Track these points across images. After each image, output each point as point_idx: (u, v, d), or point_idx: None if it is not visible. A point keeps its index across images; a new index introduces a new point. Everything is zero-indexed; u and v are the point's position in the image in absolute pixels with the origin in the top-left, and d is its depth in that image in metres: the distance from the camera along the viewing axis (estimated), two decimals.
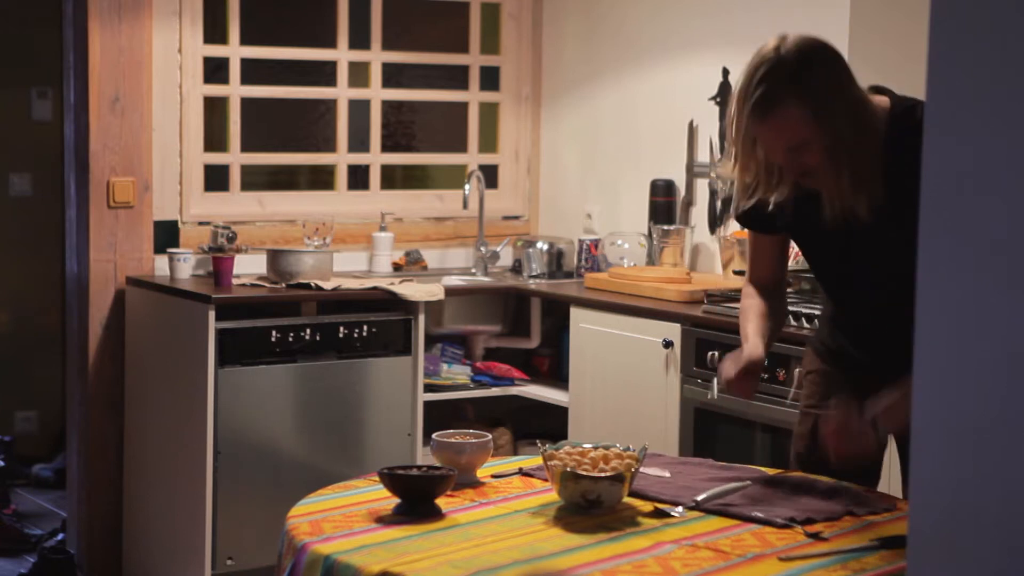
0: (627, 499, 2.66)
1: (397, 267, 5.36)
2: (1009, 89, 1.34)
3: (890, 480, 3.25)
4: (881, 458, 3.01)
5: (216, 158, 5.25)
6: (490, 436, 2.87)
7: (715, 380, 2.93)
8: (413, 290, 4.84)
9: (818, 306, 3.79)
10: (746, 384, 2.88)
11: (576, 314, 4.79)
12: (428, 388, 4.94)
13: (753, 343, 2.92)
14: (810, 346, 3.13)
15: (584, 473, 2.59)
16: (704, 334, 4.28)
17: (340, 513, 2.61)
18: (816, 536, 2.48)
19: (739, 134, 2.73)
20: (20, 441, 6.53)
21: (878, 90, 2.87)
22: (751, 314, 3.00)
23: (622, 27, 5.36)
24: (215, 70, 5.22)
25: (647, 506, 2.66)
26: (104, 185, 4.95)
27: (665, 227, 5.00)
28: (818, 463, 2.93)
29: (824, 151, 2.69)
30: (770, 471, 2.92)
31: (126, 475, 5.02)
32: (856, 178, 2.71)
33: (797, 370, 3.42)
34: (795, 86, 2.67)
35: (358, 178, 5.56)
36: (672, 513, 2.61)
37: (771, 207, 2.83)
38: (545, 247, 5.31)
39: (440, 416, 5.03)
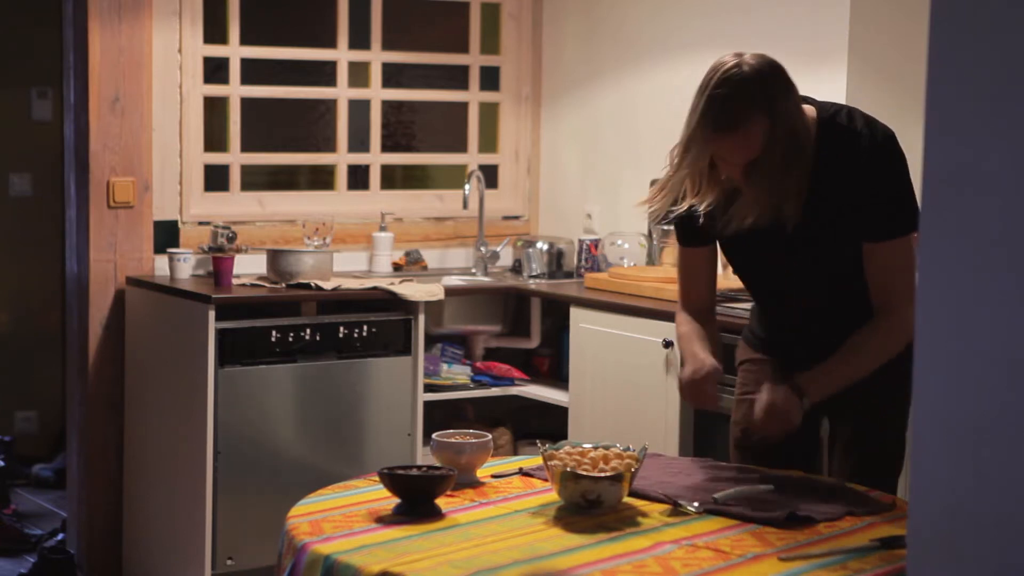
0: (627, 499, 2.66)
1: (397, 267, 5.36)
2: (1009, 89, 1.34)
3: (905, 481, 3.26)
4: (816, 437, 3.12)
5: (216, 158, 5.25)
6: (490, 436, 2.87)
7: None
8: (413, 290, 4.84)
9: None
10: (703, 391, 2.97)
11: (576, 314, 4.79)
12: (428, 388, 4.94)
13: (702, 356, 3.01)
14: (743, 338, 3.21)
15: (584, 473, 2.59)
16: None
17: (340, 513, 2.61)
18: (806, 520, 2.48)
19: (691, 143, 2.83)
20: (20, 441, 6.53)
21: (803, 100, 2.97)
22: (693, 336, 3.08)
23: (622, 27, 5.36)
24: (215, 70, 5.22)
25: (647, 506, 2.66)
26: (104, 185, 4.95)
27: (665, 227, 5.00)
28: (755, 448, 3.05)
29: (770, 162, 2.80)
30: (770, 471, 2.93)
31: (126, 475, 5.02)
32: (790, 185, 2.82)
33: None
34: (762, 101, 2.78)
35: (358, 178, 5.56)
36: (689, 508, 2.61)
37: (700, 217, 2.93)
38: (545, 247, 5.31)
39: (440, 416, 5.03)
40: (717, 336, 3.15)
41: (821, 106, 2.96)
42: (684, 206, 2.93)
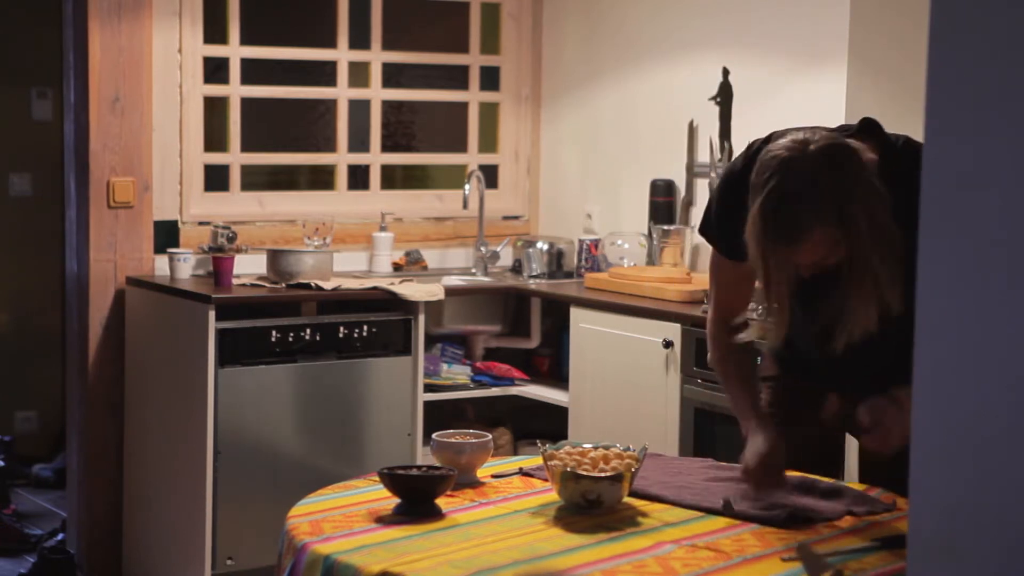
0: (627, 499, 2.66)
1: (397, 267, 5.36)
2: (1009, 89, 1.34)
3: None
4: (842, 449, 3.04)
5: (216, 158, 5.25)
6: (490, 436, 2.87)
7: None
8: (413, 290, 4.84)
9: None
10: (774, 477, 2.74)
11: (576, 314, 4.79)
12: (428, 388, 4.94)
13: (763, 428, 2.78)
14: (768, 351, 3.00)
15: (584, 473, 2.59)
16: (704, 334, 4.27)
17: (340, 513, 2.61)
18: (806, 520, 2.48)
19: (766, 255, 2.53)
20: (20, 441, 6.53)
21: (866, 129, 2.69)
22: (738, 385, 2.87)
23: (622, 27, 5.36)
24: (215, 70, 5.22)
25: (647, 506, 2.66)
26: (104, 185, 4.95)
27: (665, 227, 5.00)
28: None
29: (860, 259, 2.53)
30: None
31: (126, 475, 5.02)
32: (891, 272, 2.52)
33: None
34: (823, 209, 2.48)
35: (358, 178, 5.56)
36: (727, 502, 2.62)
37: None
38: (545, 247, 5.31)
39: (440, 416, 5.03)
40: (749, 357, 2.94)
41: (883, 147, 2.67)
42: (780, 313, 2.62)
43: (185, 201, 5.11)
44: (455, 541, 2.43)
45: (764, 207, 2.50)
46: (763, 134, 2.74)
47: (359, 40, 5.46)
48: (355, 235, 5.39)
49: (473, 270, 5.48)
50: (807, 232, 2.48)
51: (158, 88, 5.02)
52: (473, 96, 5.74)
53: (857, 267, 2.52)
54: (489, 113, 5.78)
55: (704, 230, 2.93)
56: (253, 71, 5.31)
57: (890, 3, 4.50)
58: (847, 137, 2.61)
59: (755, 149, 2.71)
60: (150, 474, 4.88)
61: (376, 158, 5.57)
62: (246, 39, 5.26)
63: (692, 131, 5.04)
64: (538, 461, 2.92)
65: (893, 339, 2.52)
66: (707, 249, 5.04)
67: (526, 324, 5.35)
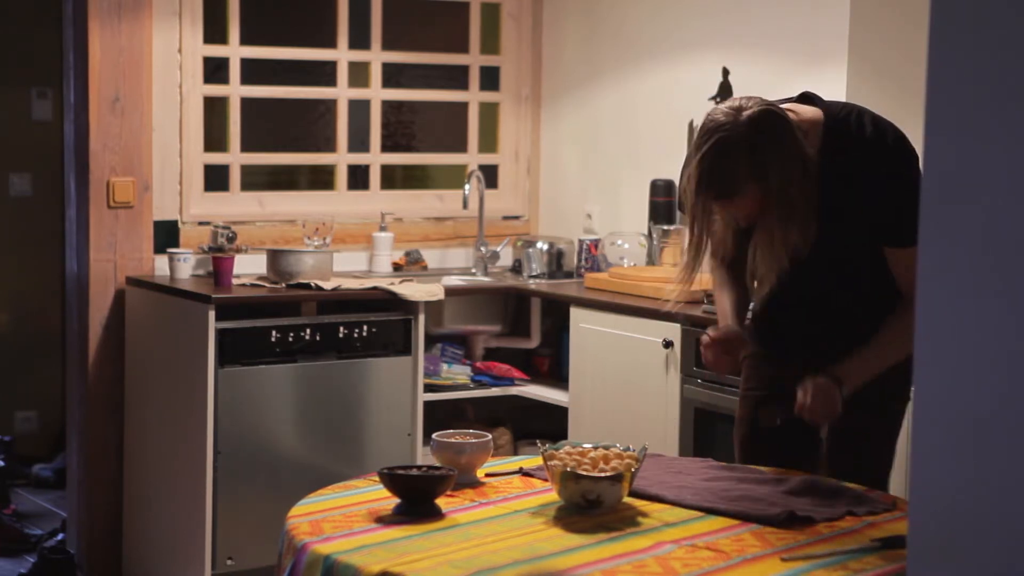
0: (627, 499, 2.66)
1: (397, 267, 5.36)
2: (1009, 88, 1.34)
3: (904, 480, 3.26)
4: (817, 436, 3.15)
5: (216, 158, 5.25)
6: (490, 436, 2.87)
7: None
8: (413, 290, 4.84)
9: None
10: (720, 357, 3.06)
11: (576, 314, 4.79)
12: (428, 388, 4.94)
13: (731, 320, 3.12)
14: (745, 331, 3.20)
15: (584, 473, 2.59)
16: (700, 332, 4.27)
17: (340, 513, 2.61)
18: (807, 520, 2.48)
19: (695, 208, 2.88)
20: (20, 441, 6.53)
21: (807, 98, 2.98)
22: (723, 287, 3.20)
23: (622, 27, 5.36)
24: (215, 70, 5.22)
25: (647, 506, 2.66)
26: (104, 185, 4.95)
27: (665, 227, 5.00)
28: (761, 446, 3.08)
29: (773, 211, 2.84)
30: (770, 471, 2.93)
31: (126, 475, 5.02)
32: (797, 223, 2.86)
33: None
34: (753, 169, 2.79)
35: (358, 178, 5.56)
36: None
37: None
38: (545, 247, 5.31)
39: (440, 416, 5.03)
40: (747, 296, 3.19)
41: (828, 109, 2.95)
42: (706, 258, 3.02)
43: (185, 201, 5.11)
44: (455, 541, 2.43)
45: (701, 165, 2.81)
46: None
47: (359, 40, 5.46)
48: (355, 235, 5.39)
49: (473, 270, 5.48)
50: (738, 192, 2.80)
51: (158, 88, 5.02)
52: (473, 96, 5.74)
53: (767, 215, 2.84)
54: (489, 113, 5.78)
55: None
56: (253, 71, 5.31)
57: (890, 3, 4.50)
58: (788, 103, 2.96)
59: (736, 106, 2.98)
60: (150, 474, 4.88)
61: (376, 158, 5.57)
62: (246, 39, 5.26)
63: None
64: (538, 461, 2.92)
65: (864, 307, 2.97)
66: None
67: (526, 324, 5.35)
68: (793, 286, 3.02)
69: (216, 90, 5.22)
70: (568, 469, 2.60)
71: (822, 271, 2.99)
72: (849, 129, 2.90)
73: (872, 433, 3.06)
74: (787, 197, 2.81)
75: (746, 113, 2.80)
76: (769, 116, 2.81)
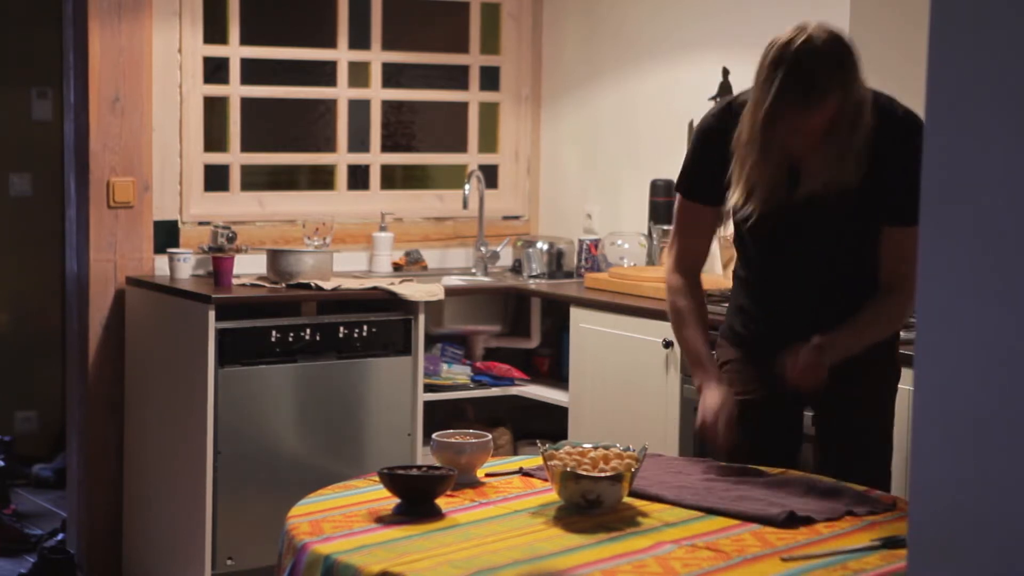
0: (627, 499, 2.66)
1: (397, 267, 5.36)
2: (1009, 88, 1.34)
3: (904, 480, 3.26)
4: (800, 431, 3.18)
5: (216, 158, 5.25)
6: (490, 436, 2.87)
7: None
8: (413, 290, 4.84)
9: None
10: (726, 434, 2.99)
11: (576, 314, 4.79)
12: (428, 388, 4.94)
13: (714, 382, 3.03)
14: (722, 337, 3.21)
15: (584, 473, 2.59)
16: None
17: (340, 513, 2.61)
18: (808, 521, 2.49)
19: (770, 119, 2.80)
20: (20, 441, 6.53)
21: None
22: (696, 328, 3.10)
23: (622, 27, 5.36)
24: (215, 70, 5.22)
25: (647, 506, 2.66)
26: (104, 185, 4.95)
27: (665, 227, 5.00)
28: (740, 451, 3.03)
29: (842, 131, 2.82)
30: (770, 471, 2.93)
31: (126, 475, 5.02)
32: (855, 152, 2.85)
33: None
34: (839, 74, 2.78)
35: (358, 178, 5.56)
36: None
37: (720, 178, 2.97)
38: (545, 247, 5.31)
39: (440, 416, 5.03)
40: (704, 301, 3.19)
41: (874, 91, 2.98)
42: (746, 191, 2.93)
43: (185, 201, 5.11)
44: (455, 541, 2.43)
45: (789, 72, 2.76)
46: None
47: (359, 40, 5.46)
48: (355, 235, 5.39)
49: (473, 270, 5.48)
50: (825, 97, 2.77)
51: (158, 88, 5.02)
52: (473, 96, 5.74)
53: (837, 131, 2.81)
54: (489, 113, 5.78)
55: (678, 183, 3.16)
56: (253, 71, 5.31)
57: (890, 3, 4.50)
58: None
59: (726, 103, 3.04)
60: (150, 474, 4.88)
61: (376, 158, 5.57)
62: (246, 39, 5.26)
63: (692, 131, 5.04)
64: (538, 461, 2.92)
65: (851, 294, 2.98)
66: None
67: (526, 324, 5.35)
68: (795, 269, 3.04)
69: (216, 90, 5.22)
70: (568, 469, 2.60)
71: (819, 244, 2.99)
72: (884, 106, 2.93)
73: (867, 431, 3.06)
74: (855, 123, 2.81)
75: (825, 28, 2.83)
76: (844, 35, 2.85)
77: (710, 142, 3.03)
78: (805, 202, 2.89)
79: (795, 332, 2.99)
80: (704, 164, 3.05)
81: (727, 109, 3.02)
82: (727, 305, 3.28)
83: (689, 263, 3.18)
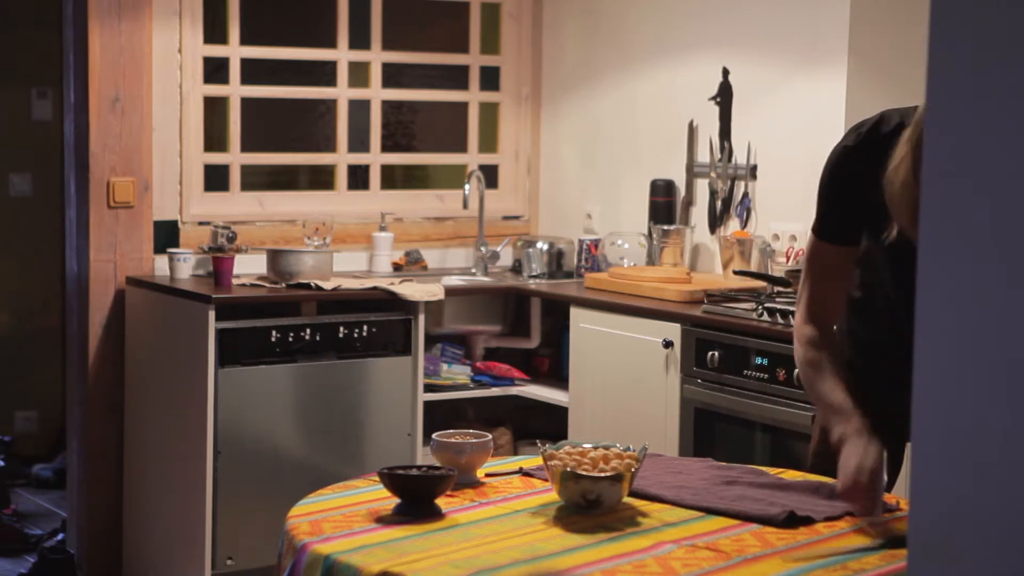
0: (627, 499, 2.66)
1: (397, 267, 5.36)
2: (1009, 88, 1.34)
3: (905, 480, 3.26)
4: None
5: (216, 158, 5.25)
6: (490, 436, 2.86)
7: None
8: (413, 290, 4.84)
9: None
10: (873, 496, 2.56)
11: (576, 314, 4.79)
12: (428, 388, 4.94)
13: (863, 438, 2.57)
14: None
15: (584, 473, 2.59)
16: (704, 334, 4.28)
17: (340, 513, 2.60)
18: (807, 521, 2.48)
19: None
20: (20, 441, 6.53)
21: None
22: (835, 379, 2.69)
23: (622, 27, 5.36)
24: (215, 70, 5.22)
25: (647, 506, 2.66)
26: (104, 185, 4.95)
27: (665, 227, 5.00)
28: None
29: None
30: (770, 471, 2.93)
31: (126, 475, 5.02)
32: None
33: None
34: None
35: (358, 178, 5.56)
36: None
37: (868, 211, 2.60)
38: (545, 247, 5.31)
39: (440, 416, 5.03)
40: (841, 359, 2.78)
41: None
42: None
43: (185, 201, 5.11)
44: (455, 541, 2.43)
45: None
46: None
47: (359, 40, 5.46)
48: (355, 235, 5.39)
49: (473, 270, 5.48)
50: None
51: (158, 88, 5.02)
52: (473, 96, 5.74)
53: None
54: (489, 113, 5.78)
55: (817, 224, 2.77)
56: (253, 71, 5.31)
57: (890, 3, 4.50)
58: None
59: (867, 128, 2.67)
60: (150, 474, 4.88)
61: (376, 158, 5.57)
62: (246, 39, 5.26)
63: (692, 131, 5.05)
64: (538, 461, 2.91)
65: None
66: (706, 249, 5.06)
67: (526, 324, 5.35)
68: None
69: (216, 90, 5.22)
70: (568, 469, 2.60)
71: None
72: None
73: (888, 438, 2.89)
74: None
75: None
76: None
77: (852, 176, 2.66)
78: None
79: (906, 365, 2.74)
80: (846, 202, 2.69)
81: (872, 138, 2.64)
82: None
83: (822, 311, 2.77)
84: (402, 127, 5.84)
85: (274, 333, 4.65)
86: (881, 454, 2.55)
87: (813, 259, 2.79)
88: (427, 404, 4.91)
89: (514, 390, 5.15)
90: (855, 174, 2.64)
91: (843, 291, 2.81)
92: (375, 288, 4.84)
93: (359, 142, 5.54)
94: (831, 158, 2.75)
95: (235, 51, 5.25)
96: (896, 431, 2.68)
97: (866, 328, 2.88)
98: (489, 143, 5.78)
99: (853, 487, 2.54)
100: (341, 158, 5.50)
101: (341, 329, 4.76)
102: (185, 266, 4.91)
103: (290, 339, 4.67)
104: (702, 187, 5.02)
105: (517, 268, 5.40)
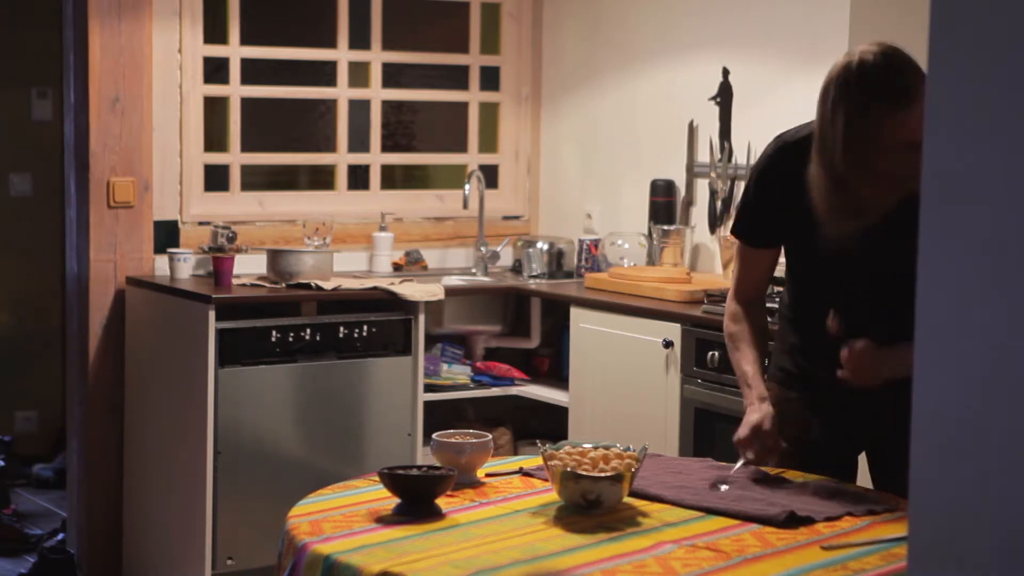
0: (627, 499, 2.66)
1: (397, 267, 5.36)
2: (1010, 88, 1.34)
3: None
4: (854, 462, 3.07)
5: (216, 158, 5.25)
6: (490, 436, 2.86)
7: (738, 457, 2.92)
8: (413, 290, 4.84)
9: None
10: (765, 445, 2.88)
11: (576, 314, 4.79)
12: (428, 388, 4.94)
13: (757, 398, 2.92)
14: (771, 379, 3.06)
15: (584, 473, 2.59)
16: (704, 334, 4.28)
17: (340, 513, 2.61)
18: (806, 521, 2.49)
19: (860, 127, 2.60)
20: (20, 441, 6.53)
21: None
22: (745, 348, 3.00)
23: (622, 27, 5.36)
24: (215, 70, 5.22)
25: (647, 506, 2.66)
26: (104, 185, 4.95)
27: (665, 227, 5.00)
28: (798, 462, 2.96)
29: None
30: (770, 471, 2.93)
31: (126, 475, 5.02)
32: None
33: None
34: (917, 68, 2.62)
35: (358, 178, 5.56)
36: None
37: (779, 217, 2.88)
38: (545, 247, 5.31)
39: (440, 416, 5.03)
40: (767, 331, 3.06)
41: None
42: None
43: (185, 201, 5.11)
44: (455, 541, 2.43)
45: (874, 74, 2.60)
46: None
47: (359, 40, 5.46)
48: (355, 235, 5.39)
49: (473, 270, 5.48)
50: (919, 90, 2.57)
51: (158, 88, 5.02)
52: (473, 96, 5.74)
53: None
54: (489, 113, 5.78)
55: (735, 226, 3.06)
56: (253, 71, 5.31)
57: (890, 3, 4.50)
58: None
59: (782, 140, 2.93)
60: (150, 474, 4.88)
61: (376, 158, 5.57)
62: (246, 39, 5.26)
63: (692, 131, 5.04)
64: (538, 461, 2.91)
65: (895, 304, 2.76)
66: (706, 250, 5.07)
67: (526, 324, 5.35)
68: (842, 297, 2.89)
69: (216, 90, 5.22)
70: (568, 469, 2.60)
71: (874, 278, 2.86)
72: None
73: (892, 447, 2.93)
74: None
75: (875, 41, 2.67)
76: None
77: (767, 184, 2.92)
78: (864, 230, 2.73)
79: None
80: (761, 207, 2.95)
81: (781, 148, 2.91)
82: (773, 345, 3.13)
83: (745, 291, 3.06)
84: (402, 127, 5.84)
85: (274, 333, 4.65)
86: (773, 417, 2.88)
87: (739, 257, 3.07)
88: (427, 404, 4.91)
89: (514, 390, 5.15)
90: (771, 181, 2.91)
91: (766, 277, 3.08)
92: (375, 288, 4.84)
93: (359, 142, 5.54)
94: (751, 172, 3.00)
95: (235, 51, 5.25)
96: (834, 403, 2.96)
97: (802, 340, 3.03)
98: (489, 143, 5.78)
99: (746, 437, 2.88)
100: (341, 158, 5.50)
101: (341, 329, 4.76)
102: (185, 266, 4.91)
103: (290, 339, 4.67)
104: (702, 187, 5.02)
105: (517, 268, 5.40)
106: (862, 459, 3.08)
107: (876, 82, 2.61)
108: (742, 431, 2.90)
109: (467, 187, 5.39)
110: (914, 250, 2.68)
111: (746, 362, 2.99)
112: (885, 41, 2.69)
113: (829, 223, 2.73)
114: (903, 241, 2.74)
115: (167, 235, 5.07)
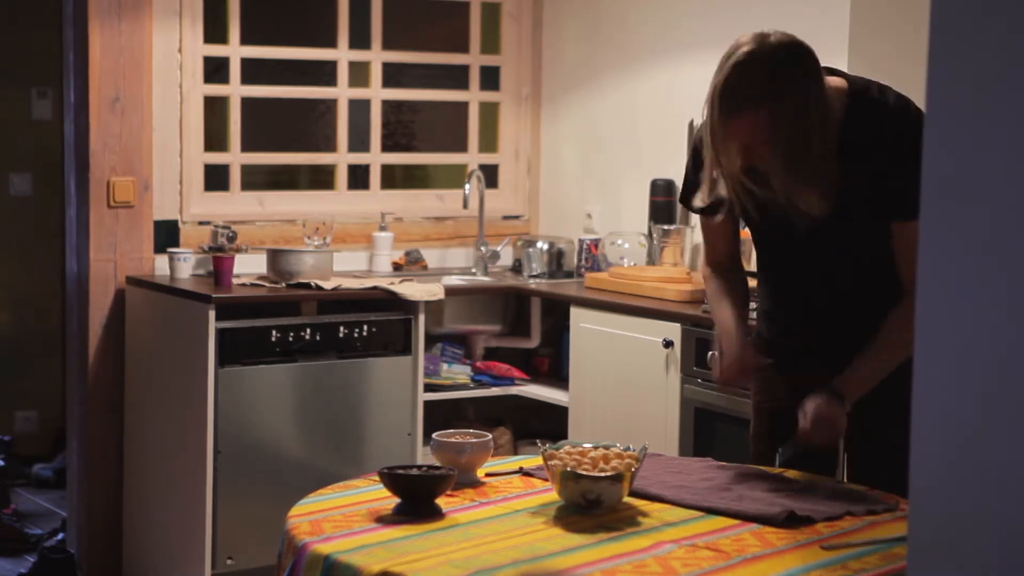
0: (627, 499, 2.66)
1: (397, 267, 5.36)
2: (1010, 88, 1.34)
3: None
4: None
5: (216, 158, 5.25)
6: (490, 436, 2.86)
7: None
8: (413, 290, 4.84)
9: None
10: (736, 376, 3.02)
11: (576, 314, 4.79)
12: (428, 388, 4.94)
13: (736, 341, 3.01)
14: (753, 343, 3.12)
15: (584, 473, 2.59)
16: (704, 334, 4.28)
17: (340, 513, 2.61)
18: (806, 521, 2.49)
19: (712, 128, 2.80)
20: (20, 441, 6.53)
21: (830, 72, 2.94)
22: (722, 298, 3.10)
23: (622, 27, 5.36)
24: (215, 70, 5.22)
25: (647, 506, 2.66)
26: (104, 185, 4.95)
27: (665, 227, 5.00)
28: (778, 460, 3.01)
29: (781, 151, 2.76)
30: (770, 471, 2.93)
31: (126, 475, 5.02)
32: (809, 174, 2.77)
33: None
34: (769, 87, 2.75)
35: (358, 178, 5.56)
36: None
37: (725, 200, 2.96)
38: (545, 247, 5.31)
39: (440, 416, 5.03)
40: (745, 280, 3.15)
41: (852, 81, 2.93)
42: (712, 192, 2.93)
43: (185, 201, 5.11)
44: (455, 541, 2.43)
45: (720, 81, 2.79)
46: None
47: (359, 40, 5.46)
48: (355, 235, 5.39)
49: (473, 270, 5.48)
50: (751, 103, 2.73)
51: (158, 88, 5.02)
52: (473, 96, 5.74)
53: (773, 150, 2.76)
54: (489, 113, 5.78)
55: (680, 195, 3.17)
56: (253, 71, 5.31)
57: (890, 3, 4.50)
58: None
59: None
60: (150, 474, 4.88)
61: (376, 158, 5.57)
62: (246, 39, 5.26)
63: (692, 131, 5.04)
64: (538, 461, 2.91)
65: (874, 298, 2.90)
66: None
67: (526, 324, 5.35)
68: (812, 278, 2.98)
69: (216, 90, 5.22)
70: (568, 469, 2.60)
71: (842, 261, 2.92)
72: (873, 97, 2.87)
73: (892, 442, 2.95)
74: (801, 135, 2.72)
75: (773, 37, 2.80)
76: (797, 44, 2.80)
77: (699, 154, 3.00)
78: (799, 219, 2.85)
79: (819, 342, 2.98)
80: (697, 175, 3.02)
81: (764, 35, 2.97)
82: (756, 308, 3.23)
83: (718, 257, 3.16)
84: (402, 127, 5.84)
85: (274, 333, 4.65)
86: (740, 353, 2.98)
87: (702, 223, 3.18)
88: (427, 404, 4.91)
89: (514, 390, 5.16)
90: (702, 151, 2.96)
91: (730, 240, 3.16)
92: (375, 288, 4.84)
93: (359, 142, 5.54)
94: (692, 144, 3.10)
95: (235, 51, 5.25)
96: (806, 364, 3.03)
97: (774, 307, 3.10)
98: (489, 143, 5.78)
99: (723, 372, 2.99)
100: (341, 158, 5.50)
101: (341, 329, 4.76)
102: (185, 266, 4.91)
103: (290, 339, 4.67)
104: None
105: (517, 268, 5.40)
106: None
107: (723, 88, 2.79)
108: (728, 366, 2.99)
109: (467, 187, 5.39)
110: (868, 229, 2.77)
111: (722, 315, 3.07)
112: (784, 41, 2.81)
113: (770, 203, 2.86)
114: (853, 222, 2.86)
115: (167, 235, 5.07)
